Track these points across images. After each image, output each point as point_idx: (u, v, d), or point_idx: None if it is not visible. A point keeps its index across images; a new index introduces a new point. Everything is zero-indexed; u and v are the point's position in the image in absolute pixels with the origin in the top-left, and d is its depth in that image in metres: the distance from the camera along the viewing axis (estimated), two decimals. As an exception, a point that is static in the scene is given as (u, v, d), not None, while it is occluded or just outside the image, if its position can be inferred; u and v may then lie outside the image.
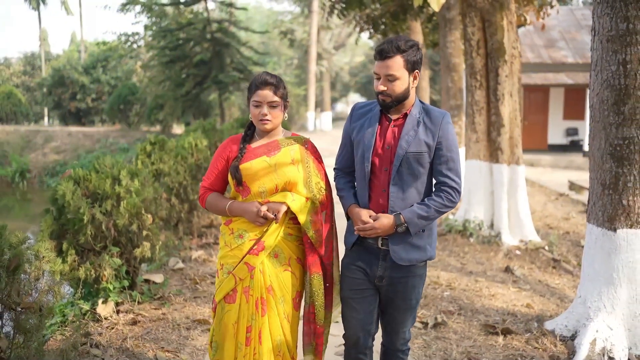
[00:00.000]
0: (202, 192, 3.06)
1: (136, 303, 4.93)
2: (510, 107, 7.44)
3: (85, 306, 4.63)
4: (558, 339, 4.42)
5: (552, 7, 10.01)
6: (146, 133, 24.48)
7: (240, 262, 2.86)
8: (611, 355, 4.14)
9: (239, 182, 2.89)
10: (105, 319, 4.57)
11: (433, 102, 26.81)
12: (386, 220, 2.78)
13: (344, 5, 11.60)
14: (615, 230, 4.24)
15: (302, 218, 2.89)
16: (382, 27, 12.64)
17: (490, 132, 7.58)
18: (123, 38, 23.88)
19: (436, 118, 2.81)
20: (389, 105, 2.80)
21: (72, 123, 30.21)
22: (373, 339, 3.03)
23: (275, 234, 2.88)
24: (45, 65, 36.25)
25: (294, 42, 34.47)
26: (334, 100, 47.87)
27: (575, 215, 10.22)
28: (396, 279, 2.87)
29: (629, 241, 4.22)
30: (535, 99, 21.24)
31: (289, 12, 40.70)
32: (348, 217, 2.97)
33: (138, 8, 21.91)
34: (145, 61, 25.51)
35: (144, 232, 5.07)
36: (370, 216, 2.81)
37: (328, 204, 3.00)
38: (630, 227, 4.21)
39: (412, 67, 2.76)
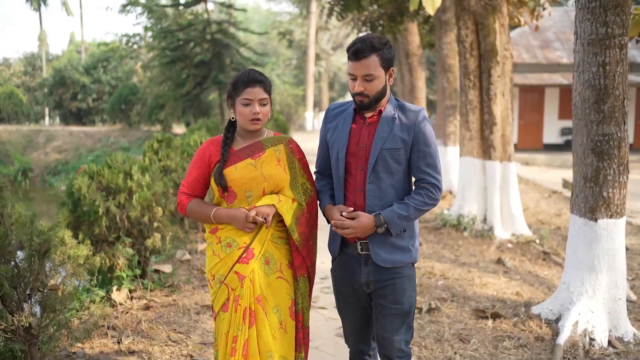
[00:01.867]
0: (181, 199, 2.88)
1: (148, 290, 5.24)
2: (502, 106, 7.75)
3: (101, 293, 4.93)
4: (543, 322, 4.73)
5: (544, 9, 10.31)
6: (147, 132, 24.80)
7: (230, 271, 2.74)
8: (592, 336, 4.45)
9: (225, 188, 2.77)
10: (120, 304, 4.88)
11: (430, 102, 27.10)
12: (365, 219, 2.71)
13: (342, 7, 11.90)
14: (596, 220, 4.55)
15: (288, 220, 2.79)
16: (380, 28, 12.94)
17: (483, 130, 7.90)
18: (124, 39, 24.18)
19: (411, 114, 2.77)
20: (367, 106, 2.75)
21: (73, 123, 30.49)
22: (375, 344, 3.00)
23: (263, 239, 2.79)
24: (46, 66, 36.51)
25: (292, 43, 34.77)
26: (332, 100, 48.16)
27: (567, 212, 10.53)
28: (383, 282, 2.79)
29: (609, 230, 4.53)
30: (530, 99, 21.55)
31: (287, 13, 41.03)
32: (329, 221, 2.88)
33: (139, 9, 22.19)
34: (146, 62, 25.80)
35: (155, 224, 5.38)
36: (346, 213, 2.74)
37: (313, 205, 2.93)
38: (610, 217, 4.52)
39: (387, 65, 2.72)
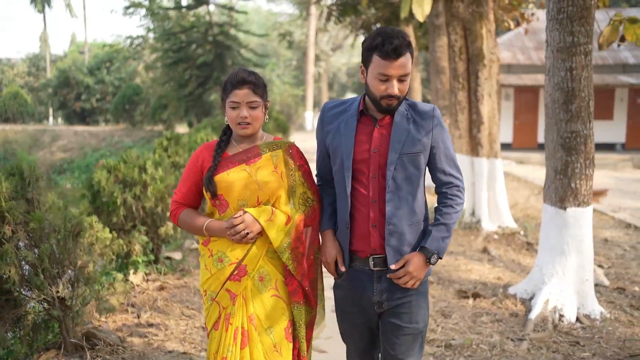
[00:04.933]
0: (173, 208, 2.68)
1: (161, 274, 5.77)
2: (489, 107, 8.28)
3: (120, 275, 5.45)
4: (518, 300, 5.25)
5: (533, 13, 10.84)
6: (150, 132, 25.36)
7: (221, 288, 2.55)
8: (562, 313, 4.96)
9: (214, 194, 2.55)
10: (137, 285, 5.39)
11: (426, 102, 27.61)
12: (417, 259, 2.45)
13: (340, 12, 12.44)
14: (565, 209, 5.06)
15: (276, 241, 2.52)
16: (376, 31, 13.46)
17: (471, 129, 8.42)
18: (128, 41, 24.74)
19: (425, 112, 2.49)
20: (394, 109, 2.46)
21: (77, 123, 31.10)
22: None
23: (258, 256, 2.55)
24: (50, 67, 37.07)
25: (292, 44, 35.30)
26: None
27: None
28: (397, 300, 2.52)
29: (576, 218, 5.05)
30: (525, 99, 22.04)
31: (287, 15, 41.55)
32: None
33: (143, 12, 22.75)
34: (148, 62, 26.37)
35: (167, 214, 5.90)
36: (394, 265, 2.47)
37: (315, 216, 2.65)
38: (578, 206, 5.04)
39: (412, 62, 2.45)
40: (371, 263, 2.51)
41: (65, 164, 23.22)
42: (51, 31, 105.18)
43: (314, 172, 2.72)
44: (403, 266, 2.48)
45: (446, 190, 2.54)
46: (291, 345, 2.61)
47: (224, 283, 2.53)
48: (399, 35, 2.35)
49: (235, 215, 2.50)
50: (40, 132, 25.64)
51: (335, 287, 2.68)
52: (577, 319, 4.94)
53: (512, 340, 4.47)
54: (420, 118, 2.48)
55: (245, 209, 2.52)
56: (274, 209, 2.57)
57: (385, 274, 2.50)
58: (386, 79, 2.38)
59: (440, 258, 2.50)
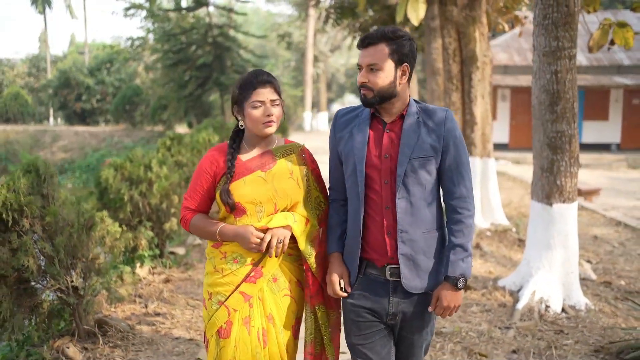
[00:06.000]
0: (184, 214, 2.62)
1: (166, 268, 6.03)
2: (482, 108, 8.55)
3: (127, 268, 5.70)
4: (507, 292, 5.51)
5: (526, 17, 11.10)
6: (150, 132, 25.63)
7: (234, 291, 2.50)
8: (548, 304, 5.21)
9: (232, 208, 2.50)
10: (144, 278, 5.65)
11: (423, 102, 27.87)
12: (445, 292, 2.42)
13: (338, 15, 12.70)
14: (551, 205, 5.32)
15: (302, 243, 2.53)
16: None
17: (465, 129, 8.68)
18: (129, 42, 25.01)
19: (438, 116, 2.45)
20: (371, 102, 2.42)
21: (77, 123, 31.34)
22: None
23: (275, 262, 2.54)
24: (50, 67, 37.33)
25: (291, 45, 35.56)
26: (330, 101, 48.99)
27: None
28: (412, 313, 2.48)
29: (562, 214, 5.31)
30: (522, 100, 22.26)
31: (286, 16, 41.82)
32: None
33: (144, 13, 23.02)
34: (149, 63, 26.64)
35: (172, 210, 6.16)
36: (431, 308, 2.46)
37: (326, 218, 2.67)
38: (563, 202, 5.30)
39: (400, 58, 2.39)
40: (387, 273, 2.45)
41: (66, 164, 23.45)
42: (50, 32, 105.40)
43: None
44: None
45: (457, 204, 2.46)
46: (297, 341, 2.62)
47: (239, 285, 2.49)
48: (380, 28, 2.41)
49: (265, 237, 2.44)
50: (41, 132, 25.90)
51: (348, 296, 2.55)
52: (563, 310, 5.20)
53: (499, 328, 4.73)
54: (432, 121, 2.45)
55: (268, 222, 2.48)
56: (294, 213, 2.56)
57: (400, 284, 2.45)
58: (360, 68, 2.43)
59: (468, 278, 2.44)
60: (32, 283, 4.04)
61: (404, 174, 2.39)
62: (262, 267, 2.51)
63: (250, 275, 2.49)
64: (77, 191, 13.03)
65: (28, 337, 4.14)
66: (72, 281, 4.04)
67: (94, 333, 4.20)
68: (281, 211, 2.54)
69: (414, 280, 2.43)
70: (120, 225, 5.97)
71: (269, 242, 2.44)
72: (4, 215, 3.78)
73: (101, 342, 4.13)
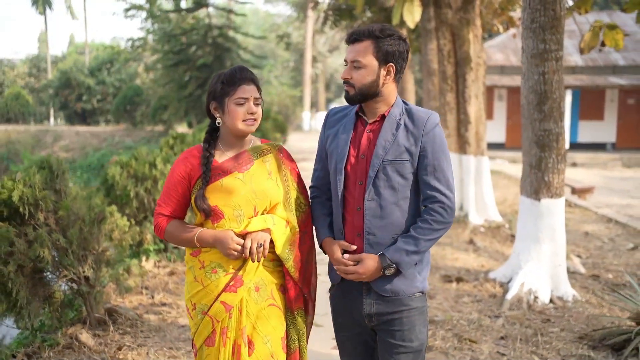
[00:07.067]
0: (158, 221, 2.48)
1: (171, 261, 6.26)
2: (476, 107, 8.80)
3: (134, 261, 5.95)
4: (497, 283, 5.76)
5: (520, 19, 11.34)
6: (150, 132, 25.88)
7: (215, 301, 2.40)
8: (536, 295, 5.45)
9: (208, 214, 2.39)
10: (149, 271, 5.89)
11: (419, 103, 28.17)
12: (371, 262, 2.35)
13: (336, 16, 12.95)
14: (539, 200, 5.56)
15: (279, 247, 2.43)
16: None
17: (459, 129, 8.94)
18: (129, 43, 25.26)
19: (420, 119, 2.37)
20: (352, 99, 2.40)
21: (78, 123, 31.62)
22: None
23: (255, 267, 2.43)
24: (51, 68, 37.55)
25: (289, 45, 35.82)
26: (328, 101, 49.24)
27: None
28: (388, 315, 2.43)
29: (549, 208, 5.55)
30: (518, 100, 22.04)
31: (285, 16, 42.06)
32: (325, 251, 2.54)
33: (144, 14, 23.26)
34: (149, 64, 26.89)
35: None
36: (348, 255, 2.41)
37: (308, 222, 2.58)
38: (551, 198, 5.54)
39: (385, 57, 2.35)
40: None
41: (68, 164, 23.68)
42: (50, 32, 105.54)
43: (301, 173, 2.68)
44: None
45: (429, 205, 2.38)
46: (285, 356, 2.52)
47: (219, 295, 2.39)
48: (371, 25, 2.38)
49: (246, 243, 2.35)
50: (43, 132, 26.14)
51: (331, 298, 2.62)
52: (551, 300, 5.44)
53: (489, 317, 4.97)
54: (412, 124, 2.38)
55: (248, 227, 2.39)
56: (273, 215, 2.47)
57: (373, 286, 2.43)
58: (345, 64, 2.42)
59: (400, 272, 2.37)
60: (46, 274, 4.27)
61: (374, 176, 2.36)
62: (242, 275, 2.41)
63: (230, 284, 2.40)
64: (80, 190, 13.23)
65: (42, 324, 4.37)
66: (84, 271, 4.27)
67: (105, 321, 4.44)
68: (261, 213, 2.45)
69: (382, 283, 2.40)
70: (127, 220, 6.30)
71: (250, 247, 2.34)
72: (20, 209, 4.00)
73: (112, 329, 4.36)
